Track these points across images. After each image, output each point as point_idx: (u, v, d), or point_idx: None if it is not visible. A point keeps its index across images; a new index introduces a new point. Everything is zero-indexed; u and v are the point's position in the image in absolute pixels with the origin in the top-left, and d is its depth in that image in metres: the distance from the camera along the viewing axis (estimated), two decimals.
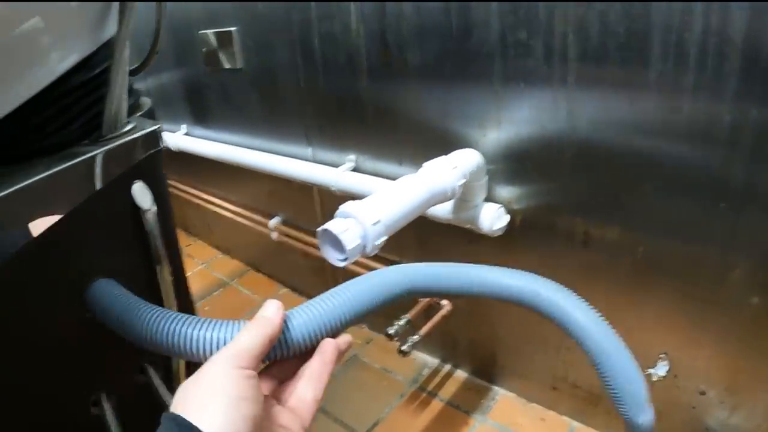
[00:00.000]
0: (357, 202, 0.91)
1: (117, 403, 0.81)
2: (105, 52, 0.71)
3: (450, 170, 1.03)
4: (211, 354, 0.51)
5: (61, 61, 0.65)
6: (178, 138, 2.11)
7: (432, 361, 1.68)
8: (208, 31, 1.73)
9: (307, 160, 1.62)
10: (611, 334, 0.68)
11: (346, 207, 0.89)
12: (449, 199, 1.06)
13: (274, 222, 1.94)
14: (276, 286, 2.21)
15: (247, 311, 2.06)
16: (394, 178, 1.30)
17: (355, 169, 1.47)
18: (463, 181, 1.04)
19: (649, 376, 1.14)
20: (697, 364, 1.09)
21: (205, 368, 0.46)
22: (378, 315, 1.70)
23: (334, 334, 0.57)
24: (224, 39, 1.70)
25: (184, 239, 2.66)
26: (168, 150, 2.22)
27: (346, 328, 0.58)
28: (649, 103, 0.93)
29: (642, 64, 0.90)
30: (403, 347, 1.36)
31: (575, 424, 1.40)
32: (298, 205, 1.82)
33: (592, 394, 1.32)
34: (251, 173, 1.85)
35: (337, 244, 0.86)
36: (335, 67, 1.39)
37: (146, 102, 0.89)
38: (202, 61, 1.84)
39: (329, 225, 0.86)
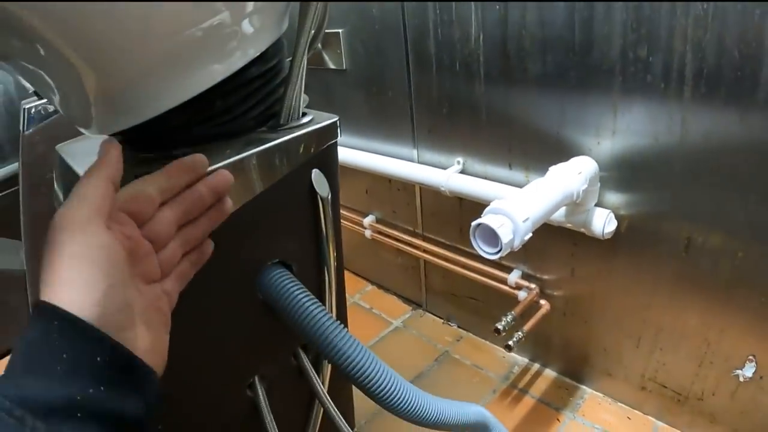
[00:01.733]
0: (507, 200, 1.02)
1: (269, 386, 0.86)
2: (276, 47, 0.77)
3: (576, 175, 1.14)
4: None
5: (243, 56, 0.69)
6: None
7: (522, 360, 1.75)
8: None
9: (411, 161, 1.71)
10: None
11: (498, 204, 1.01)
12: (573, 202, 1.16)
13: (368, 220, 2.02)
14: (364, 282, 2.29)
15: None
16: (502, 182, 1.42)
17: (462, 172, 1.56)
18: (586, 186, 1.15)
19: (736, 377, 1.22)
20: None
21: (55, 238, 0.40)
22: (469, 313, 1.88)
23: None
24: (330, 40, 1.78)
25: None
26: None
27: None
28: (756, 121, 1.01)
29: (753, 84, 0.99)
30: (510, 342, 1.44)
31: (660, 423, 1.45)
32: (397, 205, 1.89)
33: (678, 395, 1.37)
34: (349, 172, 1.92)
35: (489, 237, 0.97)
36: (450, 71, 1.48)
37: (305, 97, 0.98)
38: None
39: (485, 219, 0.97)
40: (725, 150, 1.07)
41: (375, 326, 2.02)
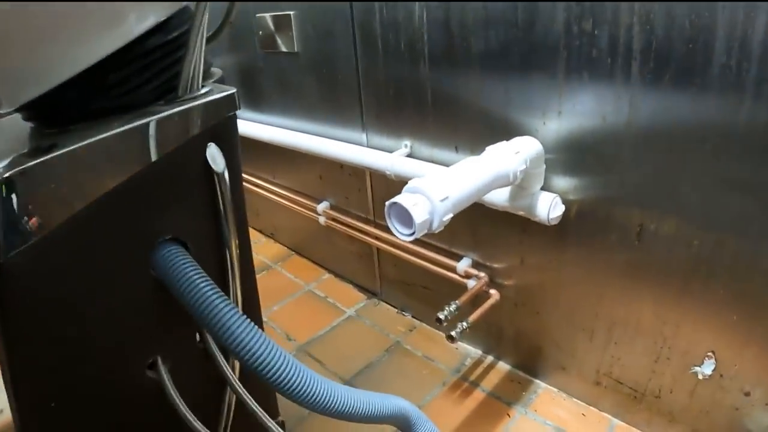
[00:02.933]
0: (425, 178, 0.96)
1: (173, 367, 0.83)
2: (181, 17, 0.75)
3: (513, 155, 1.08)
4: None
5: (139, 23, 0.68)
6: None
7: (475, 351, 1.71)
8: (266, 15, 1.79)
9: (361, 145, 1.66)
10: None
11: (414, 183, 0.94)
12: (510, 185, 1.10)
13: (322, 206, 1.98)
14: (319, 270, 2.25)
15: (289, 294, 2.11)
16: (449, 165, 1.35)
17: (409, 155, 1.51)
18: (524, 167, 1.09)
19: (695, 375, 1.17)
20: (744, 364, 1.11)
21: None
22: (422, 302, 1.82)
23: None
24: (282, 23, 1.74)
25: None
26: None
27: None
28: (711, 99, 0.95)
29: (705, 60, 0.93)
30: (452, 333, 1.38)
31: (616, 421, 1.42)
32: (349, 191, 1.85)
33: (635, 391, 1.33)
34: (301, 157, 1.89)
35: (405, 218, 0.91)
36: (396, 53, 1.44)
37: (217, 71, 0.93)
38: (257, 44, 1.90)
39: (399, 198, 0.91)
40: (677, 131, 1.02)
41: (328, 315, 1.98)
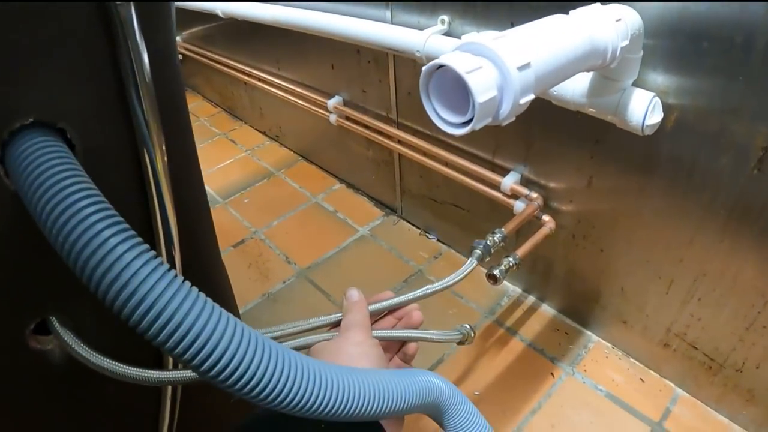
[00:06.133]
0: (492, 33, 0.63)
1: (76, 329, 0.56)
2: None
3: (613, 23, 0.74)
4: None
5: None
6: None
7: (513, 289, 1.50)
8: None
9: (384, 22, 1.38)
10: None
11: (474, 38, 0.60)
12: (603, 66, 0.76)
13: (333, 102, 1.74)
14: (330, 180, 2.03)
15: (292, 207, 1.89)
16: None
17: (447, 34, 1.23)
18: (626, 43, 0.75)
19: None
20: None
21: (340, 343, 0.60)
22: (451, 224, 1.56)
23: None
24: None
25: (228, 123, 2.51)
26: (216, 19, 2.05)
27: None
28: None
29: None
30: (495, 271, 1.12)
31: (680, 392, 1.24)
32: (367, 82, 1.62)
33: (712, 360, 1.16)
34: (311, 43, 1.72)
35: (454, 95, 0.57)
36: None
37: None
38: None
39: (448, 59, 0.56)
40: None
41: (337, 234, 1.76)
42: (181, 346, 0.37)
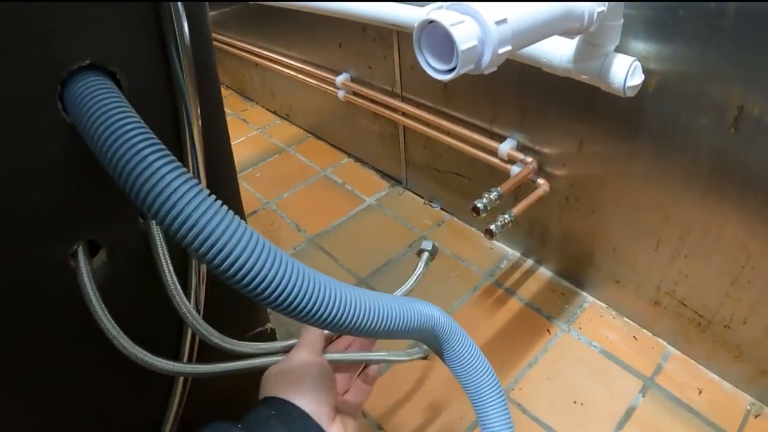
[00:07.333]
0: None
1: (109, 255, 0.63)
2: None
3: None
4: None
5: None
6: None
7: (512, 253, 1.54)
8: None
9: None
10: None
11: None
12: (579, 32, 0.83)
13: (341, 78, 1.78)
14: (338, 154, 2.06)
15: (302, 180, 1.93)
16: None
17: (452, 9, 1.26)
18: (603, 9, 0.82)
19: None
20: None
21: (284, 364, 0.61)
22: (454, 192, 1.60)
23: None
24: None
25: (239, 104, 2.54)
26: (229, 4, 2.12)
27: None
28: None
29: None
30: (491, 226, 1.19)
31: (671, 349, 1.28)
32: (373, 59, 1.65)
33: (701, 317, 1.19)
34: (320, 24, 1.74)
35: (443, 45, 0.66)
36: None
37: None
38: None
39: (436, 15, 0.65)
40: None
41: (344, 204, 1.81)
42: (211, 252, 0.44)
